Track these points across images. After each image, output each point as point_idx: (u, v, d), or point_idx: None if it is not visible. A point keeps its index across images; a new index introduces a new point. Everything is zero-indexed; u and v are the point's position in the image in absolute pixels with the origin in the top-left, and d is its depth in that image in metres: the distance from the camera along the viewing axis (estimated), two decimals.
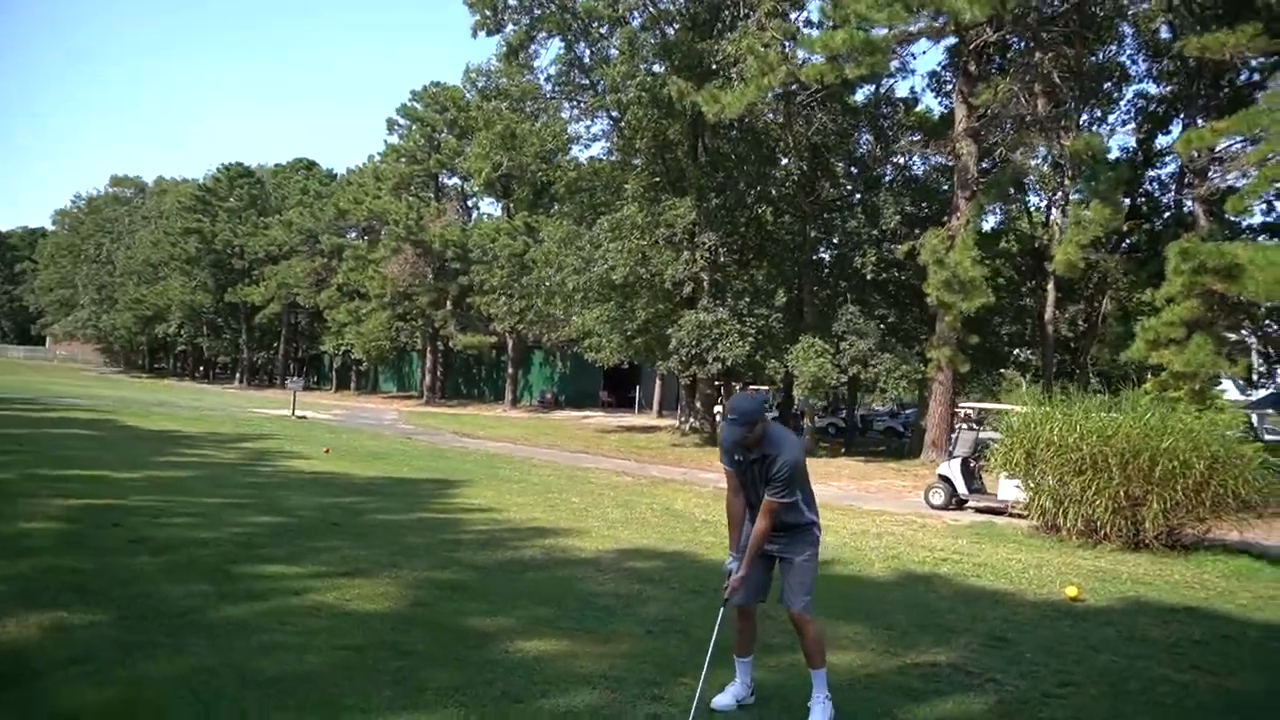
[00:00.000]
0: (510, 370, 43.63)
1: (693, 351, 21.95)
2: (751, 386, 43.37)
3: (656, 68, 23.31)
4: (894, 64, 21.12)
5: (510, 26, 23.04)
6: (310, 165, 62.28)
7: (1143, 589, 8.28)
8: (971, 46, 18.94)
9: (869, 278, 21.50)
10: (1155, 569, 9.33)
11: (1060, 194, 25.79)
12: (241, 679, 4.19)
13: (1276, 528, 12.30)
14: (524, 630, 5.44)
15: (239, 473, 12.65)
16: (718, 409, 34.36)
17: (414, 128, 46.09)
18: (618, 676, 4.67)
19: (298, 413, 27.70)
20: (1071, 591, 7.50)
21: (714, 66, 20.72)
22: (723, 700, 4.38)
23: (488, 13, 22.30)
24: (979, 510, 14.07)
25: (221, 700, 3.89)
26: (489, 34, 22.99)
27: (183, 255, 59.29)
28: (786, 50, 16.81)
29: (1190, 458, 9.81)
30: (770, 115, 23.00)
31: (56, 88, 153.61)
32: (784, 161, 23.13)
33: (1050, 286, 23.66)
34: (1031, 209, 29.93)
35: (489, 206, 50.05)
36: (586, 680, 4.57)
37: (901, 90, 30.79)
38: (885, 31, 14.95)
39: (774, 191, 23.68)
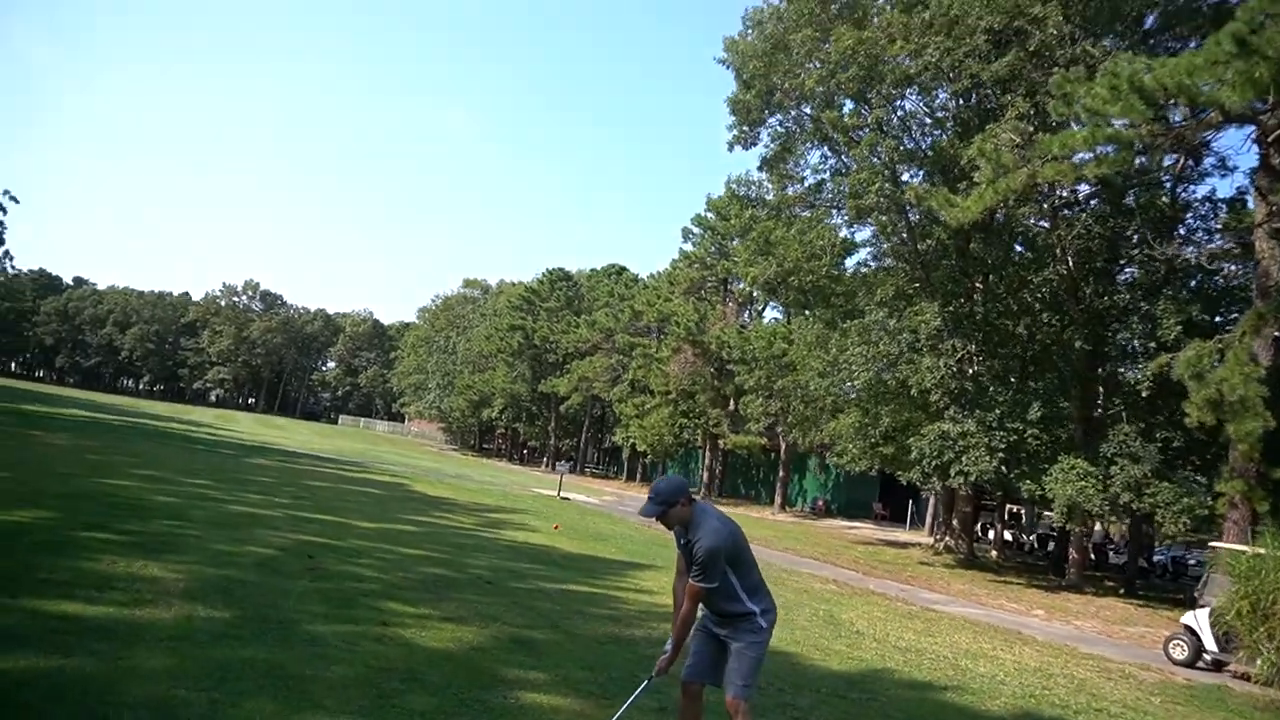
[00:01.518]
0: (781, 473, 43.63)
1: (935, 463, 20.83)
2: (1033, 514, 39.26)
3: (912, 176, 23.16)
4: (1169, 158, 19.10)
5: (765, 142, 24.50)
6: (620, 270, 68.34)
7: None
8: (1271, 137, 16.67)
9: (1144, 395, 19.09)
10: None
11: None
12: (267, 670, 5.13)
13: None
14: (543, 685, 5.88)
15: (458, 535, 14.32)
16: (993, 533, 31.62)
17: (705, 235, 49.22)
18: None
19: (563, 494, 30.11)
20: None
21: (967, 170, 20.23)
22: None
23: (745, 129, 23.89)
24: (1237, 676, 11.74)
25: (234, 680, 4.84)
26: (745, 148, 24.54)
27: (508, 349, 67.44)
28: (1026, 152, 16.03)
29: None
30: (1031, 220, 21.74)
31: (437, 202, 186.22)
32: (1049, 268, 21.59)
33: None
34: None
35: (772, 311, 51.33)
36: None
37: (1224, 189, 27.51)
38: (1130, 128, 13.73)
39: (1028, 298, 22.08)
